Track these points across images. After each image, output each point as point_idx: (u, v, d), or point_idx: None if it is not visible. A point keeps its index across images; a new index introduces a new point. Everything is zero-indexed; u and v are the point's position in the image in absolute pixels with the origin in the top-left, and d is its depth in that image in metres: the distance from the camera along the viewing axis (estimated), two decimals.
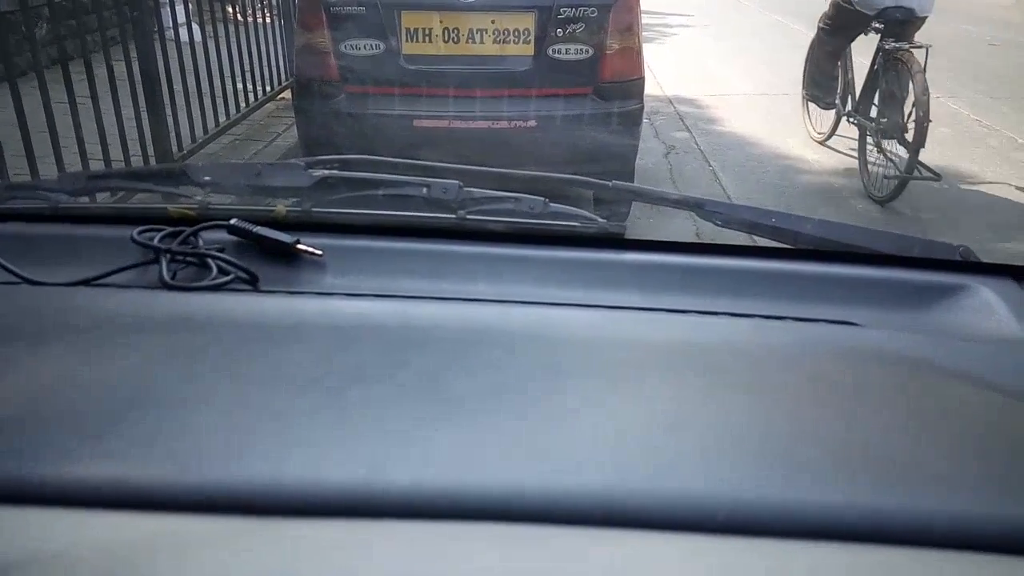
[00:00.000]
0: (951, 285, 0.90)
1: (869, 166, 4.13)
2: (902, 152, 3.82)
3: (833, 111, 4.64)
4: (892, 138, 3.90)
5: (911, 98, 3.73)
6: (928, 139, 3.74)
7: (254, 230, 0.91)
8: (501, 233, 0.97)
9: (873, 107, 4.13)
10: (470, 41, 3.22)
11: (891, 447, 0.58)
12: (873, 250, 0.97)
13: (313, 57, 3.28)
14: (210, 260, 0.85)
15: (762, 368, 0.71)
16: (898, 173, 3.80)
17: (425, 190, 0.99)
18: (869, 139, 4.14)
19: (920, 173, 3.75)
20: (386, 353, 0.67)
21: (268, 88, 4.82)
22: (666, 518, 0.49)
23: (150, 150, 3.45)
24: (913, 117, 3.71)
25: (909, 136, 3.75)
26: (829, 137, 4.78)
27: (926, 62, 3.75)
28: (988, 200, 4.20)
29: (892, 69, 3.94)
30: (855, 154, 4.36)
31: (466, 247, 0.95)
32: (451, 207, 0.98)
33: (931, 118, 3.66)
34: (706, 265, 0.93)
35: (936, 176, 3.79)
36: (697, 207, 1.03)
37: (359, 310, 0.78)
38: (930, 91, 3.68)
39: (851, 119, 4.40)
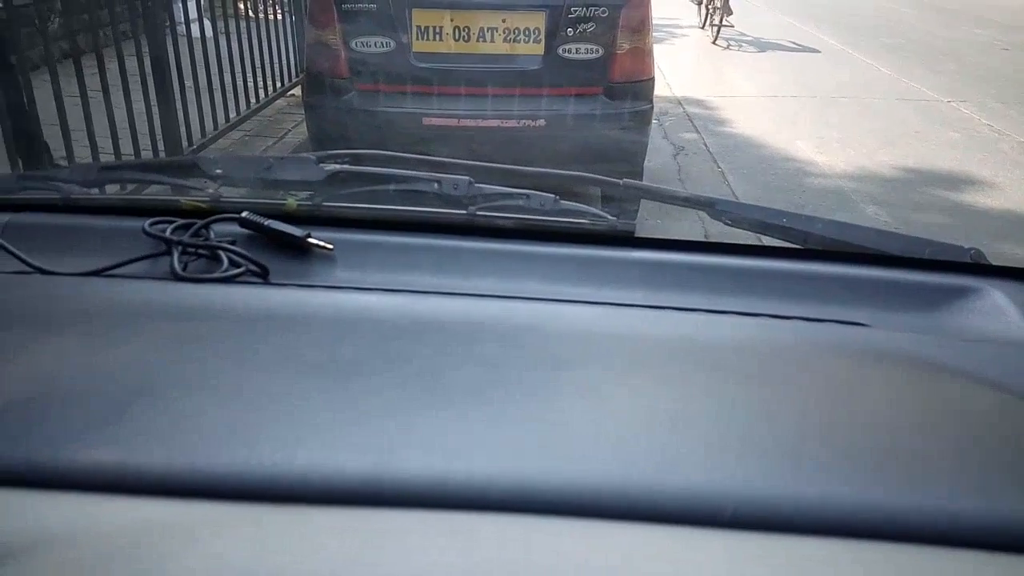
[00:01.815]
0: (961, 287, 0.90)
1: (710, 26, 9.46)
2: (717, 17, 9.15)
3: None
4: (718, 10, 9.19)
5: None
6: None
7: (265, 223, 0.91)
8: (511, 229, 0.97)
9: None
10: (480, 39, 3.23)
11: (898, 447, 0.58)
12: (883, 251, 0.96)
13: (324, 53, 3.28)
14: (221, 252, 0.86)
15: (769, 367, 0.71)
16: (717, 24, 9.15)
17: (436, 186, 1.00)
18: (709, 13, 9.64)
19: (725, 24, 9.22)
20: (394, 347, 0.68)
21: (279, 84, 4.83)
22: (672, 512, 0.49)
23: (160, 145, 3.47)
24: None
25: (721, 8, 9.09)
26: (703, 25, 9.99)
27: None
28: (769, 43, 9.24)
29: None
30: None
31: (476, 243, 0.95)
32: (462, 203, 0.98)
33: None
34: (715, 264, 0.93)
35: (731, 25, 9.41)
36: (707, 206, 1.03)
37: (369, 304, 0.78)
38: None
39: (708, 8, 9.77)
